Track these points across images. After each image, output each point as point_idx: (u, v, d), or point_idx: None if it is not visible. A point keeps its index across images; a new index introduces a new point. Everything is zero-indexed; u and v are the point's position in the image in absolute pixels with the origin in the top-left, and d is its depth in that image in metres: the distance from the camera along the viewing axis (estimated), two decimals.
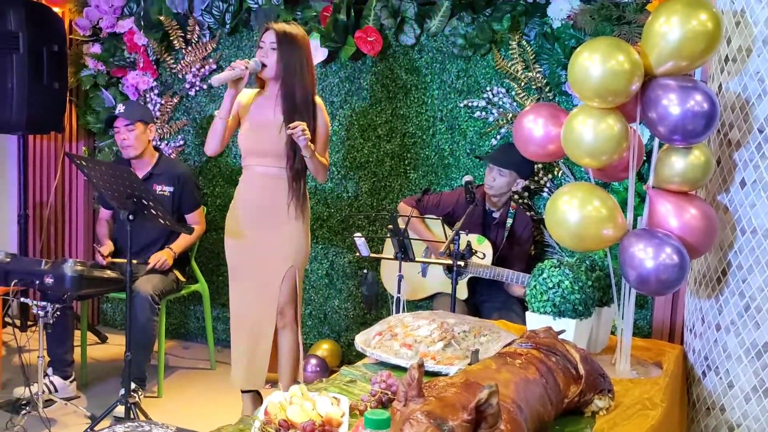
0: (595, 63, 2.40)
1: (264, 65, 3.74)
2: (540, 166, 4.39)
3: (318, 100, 3.84)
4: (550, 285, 2.59)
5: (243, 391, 4.04)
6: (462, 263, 3.62)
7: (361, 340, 2.68)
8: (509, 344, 2.30)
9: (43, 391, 3.87)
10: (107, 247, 4.58)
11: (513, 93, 4.46)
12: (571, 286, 2.57)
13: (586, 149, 2.48)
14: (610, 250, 2.75)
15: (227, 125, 3.79)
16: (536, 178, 4.44)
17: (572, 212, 2.53)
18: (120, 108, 4.55)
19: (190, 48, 5.23)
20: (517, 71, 4.42)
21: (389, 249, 4.31)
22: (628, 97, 2.45)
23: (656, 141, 2.61)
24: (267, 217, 3.84)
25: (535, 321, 2.60)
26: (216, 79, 3.65)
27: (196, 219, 4.71)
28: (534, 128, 2.71)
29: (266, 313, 3.88)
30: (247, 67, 3.68)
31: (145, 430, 1.64)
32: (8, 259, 3.88)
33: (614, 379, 2.36)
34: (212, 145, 3.84)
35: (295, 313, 3.95)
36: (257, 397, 4.05)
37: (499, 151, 4.23)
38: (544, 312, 2.60)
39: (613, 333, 3.01)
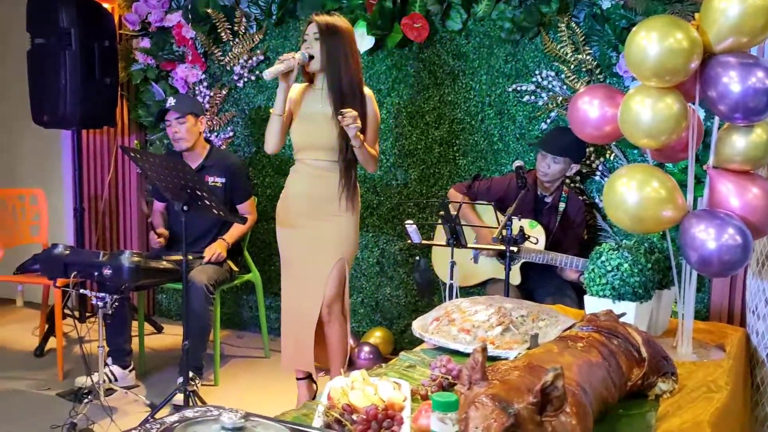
0: (652, 41, 2.37)
1: (311, 57, 3.75)
2: (591, 149, 4.35)
3: (367, 90, 3.83)
4: (609, 268, 2.57)
5: (298, 379, 4.08)
6: (515, 249, 3.61)
7: (418, 326, 2.68)
8: (569, 328, 2.29)
9: (104, 381, 3.94)
10: (162, 230, 4.66)
11: (563, 76, 4.42)
12: (630, 268, 2.54)
13: (645, 130, 2.45)
14: (669, 231, 2.72)
15: (283, 122, 3.82)
16: (588, 162, 4.40)
17: (631, 194, 2.50)
18: (171, 101, 4.59)
19: (237, 40, 5.27)
20: (567, 54, 4.37)
21: (440, 236, 4.31)
22: (686, 75, 2.41)
23: (716, 120, 2.57)
24: (318, 209, 3.85)
25: (594, 304, 2.58)
26: (267, 73, 3.65)
27: (248, 209, 4.75)
28: (589, 110, 2.68)
29: (314, 302, 3.90)
30: (294, 58, 3.69)
31: (215, 415, 1.66)
32: (67, 252, 3.95)
33: (677, 362, 2.34)
34: (272, 144, 3.86)
35: (343, 306, 3.96)
36: (312, 385, 4.09)
37: (551, 137, 4.18)
38: (603, 295, 2.58)
39: (672, 316, 2.98)
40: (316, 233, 3.86)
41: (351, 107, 3.69)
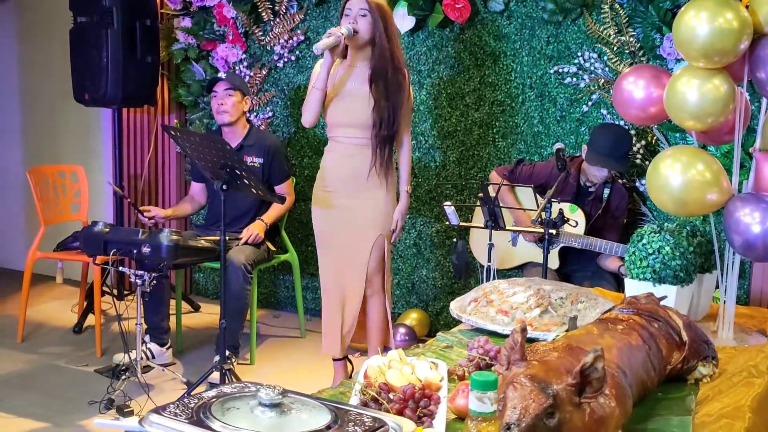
0: (702, 21, 2.32)
1: (356, 31, 3.72)
2: (633, 132, 4.29)
3: (406, 71, 3.86)
4: (650, 251, 2.53)
5: (335, 359, 4.08)
6: (553, 232, 3.57)
7: (456, 307, 2.67)
8: (609, 310, 2.26)
9: (141, 358, 3.98)
10: (158, 210, 4.70)
11: (605, 58, 4.36)
12: (672, 251, 2.51)
13: (691, 111, 2.41)
14: (714, 215, 2.68)
15: (324, 96, 3.81)
16: None
17: (675, 176, 2.47)
18: (222, 73, 4.62)
19: (278, 20, 5.26)
20: (610, 35, 4.31)
21: (477, 218, 4.28)
22: (735, 56, 2.37)
23: (763, 102, 2.52)
24: (354, 187, 3.86)
25: (634, 288, 2.55)
26: (318, 47, 3.62)
27: (286, 190, 4.75)
28: (634, 90, 2.64)
29: (355, 281, 3.91)
30: (342, 33, 3.67)
31: (253, 391, 1.66)
32: (107, 230, 3.98)
33: (717, 347, 2.31)
34: (310, 117, 3.86)
35: (383, 281, 3.98)
36: (348, 365, 4.10)
37: (607, 150, 4.02)
38: (643, 278, 2.55)
39: (713, 302, 2.94)
40: (353, 212, 3.87)
41: (393, 87, 3.73)
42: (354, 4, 3.72)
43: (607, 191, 4.17)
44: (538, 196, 3.81)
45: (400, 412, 1.80)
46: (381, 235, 3.88)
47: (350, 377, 3.94)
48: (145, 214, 4.58)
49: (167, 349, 4.51)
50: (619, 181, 4.29)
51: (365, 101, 3.75)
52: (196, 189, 4.90)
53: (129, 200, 4.76)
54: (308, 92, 3.86)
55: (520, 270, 4.38)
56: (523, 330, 1.73)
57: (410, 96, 3.90)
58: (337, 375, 4.07)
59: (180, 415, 1.53)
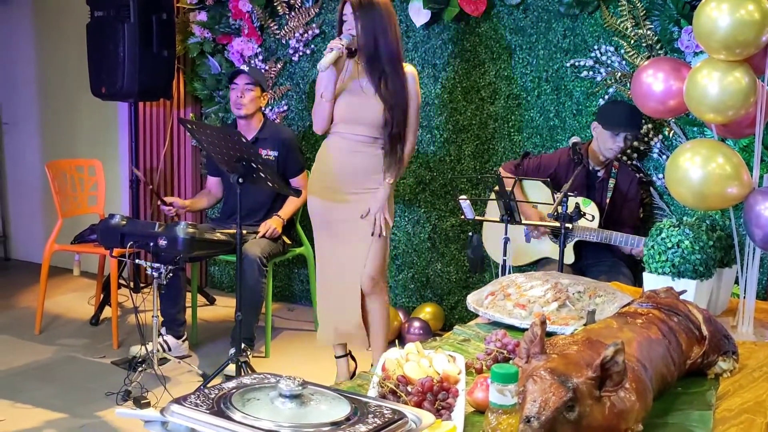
0: (723, 13, 2.30)
1: (353, 35, 3.69)
2: (650, 126, 4.27)
3: (410, 68, 3.78)
4: (669, 245, 2.51)
5: (337, 357, 4.08)
6: (569, 226, 3.56)
7: (473, 300, 2.66)
8: (628, 304, 2.25)
9: (158, 350, 3.99)
10: (178, 199, 4.74)
11: (622, 51, 4.34)
12: (691, 246, 2.49)
13: (711, 104, 2.39)
14: (734, 209, 2.66)
15: (332, 105, 3.78)
16: (646, 139, 4.32)
17: (695, 170, 2.45)
18: (245, 66, 4.64)
19: (293, 13, 5.26)
20: (627, 29, 4.29)
21: (491, 213, 4.27)
22: (757, 48, 2.35)
23: None
24: (358, 183, 3.81)
25: (653, 282, 2.53)
26: (323, 65, 3.59)
27: (301, 183, 4.75)
28: (654, 83, 2.63)
29: (356, 273, 3.87)
30: (343, 44, 3.64)
31: (272, 382, 1.66)
32: (124, 222, 4.00)
33: (737, 342, 2.28)
34: (321, 126, 3.81)
35: (384, 278, 3.96)
36: (351, 362, 4.11)
37: (624, 116, 4.03)
38: (662, 273, 2.53)
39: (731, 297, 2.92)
40: (355, 208, 3.82)
41: (392, 84, 3.67)
42: (346, 8, 3.69)
43: (613, 181, 4.15)
44: (552, 191, 3.80)
45: (418, 405, 1.80)
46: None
47: (353, 376, 3.93)
48: (166, 203, 4.61)
49: (183, 341, 4.53)
50: (629, 169, 4.27)
51: (372, 99, 3.70)
52: (212, 183, 4.92)
53: (150, 186, 4.80)
54: (316, 102, 3.80)
55: (535, 266, 4.36)
56: (543, 323, 1.72)
57: (417, 91, 3.80)
58: (340, 372, 4.07)
59: (201, 406, 1.53)
